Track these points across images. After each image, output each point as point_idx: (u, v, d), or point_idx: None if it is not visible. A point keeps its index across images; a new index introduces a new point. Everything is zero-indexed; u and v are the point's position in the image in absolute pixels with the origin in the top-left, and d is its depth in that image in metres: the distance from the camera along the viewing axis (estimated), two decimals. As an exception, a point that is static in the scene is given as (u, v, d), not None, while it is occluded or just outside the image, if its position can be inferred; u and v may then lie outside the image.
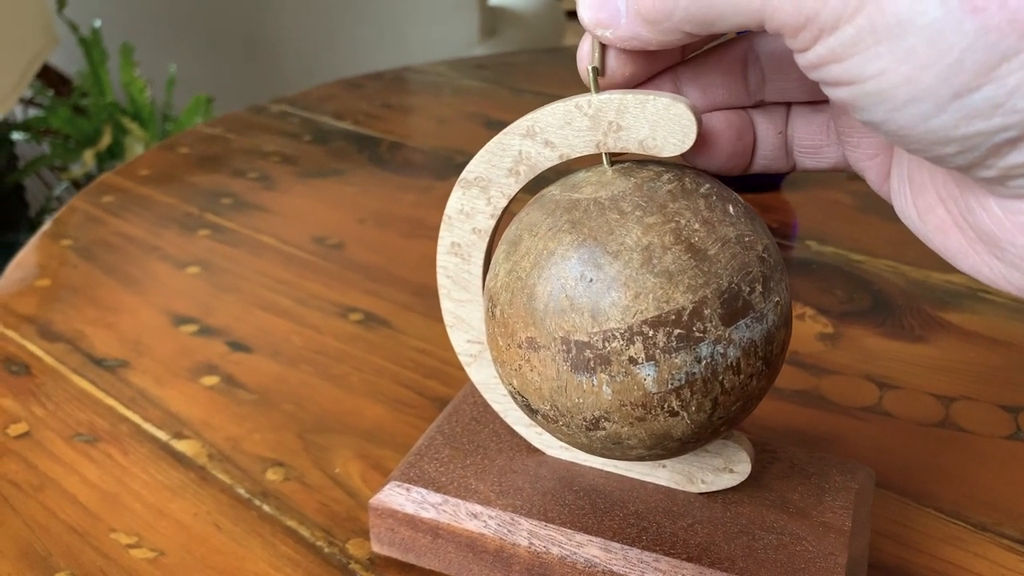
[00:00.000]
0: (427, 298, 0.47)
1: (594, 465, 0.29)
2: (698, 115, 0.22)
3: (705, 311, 0.21)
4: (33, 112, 1.48)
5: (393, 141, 0.70)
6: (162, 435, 0.37)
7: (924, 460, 0.34)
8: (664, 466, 0.28)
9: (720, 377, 0.22)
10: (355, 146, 0.69)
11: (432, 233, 0.53)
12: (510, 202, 0.26)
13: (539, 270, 0.23)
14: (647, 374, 0.22)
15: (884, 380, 0.39)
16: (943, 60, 0.16)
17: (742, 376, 0.22)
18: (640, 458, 0.24)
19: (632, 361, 0.22)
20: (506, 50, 1.55)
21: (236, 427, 0.37)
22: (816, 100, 0.25)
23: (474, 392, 0.32)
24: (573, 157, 0.24)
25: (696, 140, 0.22)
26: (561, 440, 0.25)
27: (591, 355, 0.22)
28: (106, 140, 1.37)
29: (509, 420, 0.30)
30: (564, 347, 0.22)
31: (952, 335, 0.42)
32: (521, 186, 0.25)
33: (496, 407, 0.30)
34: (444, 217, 0.27)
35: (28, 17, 1.15)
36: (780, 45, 0.24)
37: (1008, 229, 0.19)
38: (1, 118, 1.01)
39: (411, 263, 0.51)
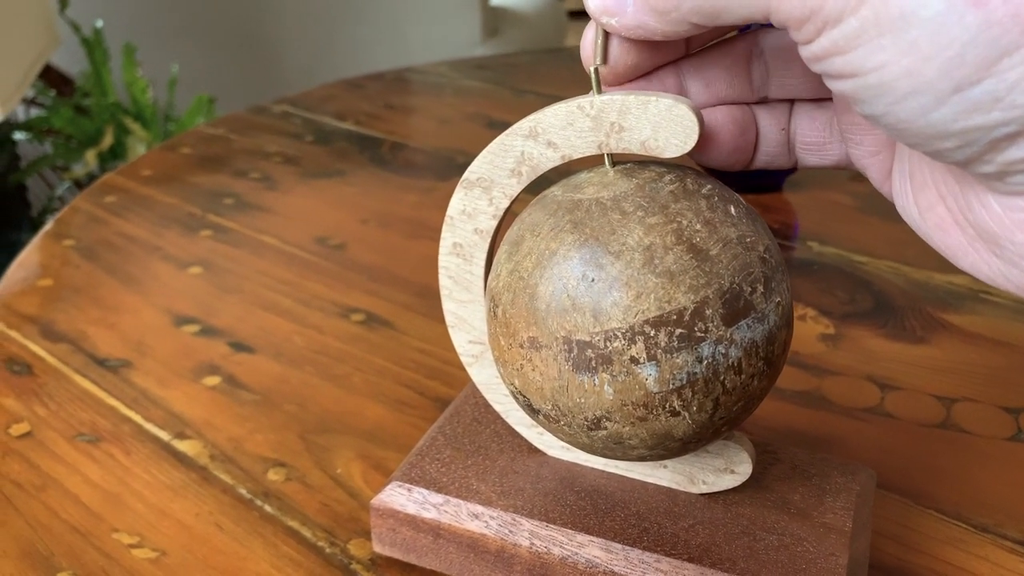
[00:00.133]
0: (429, 298, 0.47)
1: (595, 466, 0.29)
2: (700, 116, 0.22)
3: (707, 311, 0.21)
4: (35, 112, 1.48)
5: (395, 142, 0.70)
6: (164, 435, 0.37)
7: (925, 461, 0.34)
8: (665, 467, 0.28)
9: (721, 377, 0.22)
10: (357, 146, 0.69)
11: (434, 234, 0.53)
12: (512, 203, 0.26)
13: (541, 270, 0.23)
14: (649, 374, 0.22)
15: (885, 381, 0.39)
16: (944, 53, 0.16)
17: (743, 376, 0.22)
18: (641, 458, 0.24)
19: (634, 361, 0.22)
20: (508, 50, 1.55)
21: (238, 427, 0.37)
22: (819, 97, 0.25)
23: (475, 392, 0.32)
24: (575, 158, 0.24)
25: (698, 140, 0.22)
26: (562, 440, 0.25)
27: (593, 355, 0.22)
28: (108, 140, 1.37)
29: (510, 420, 0.30)
30: (566, 347, 0.22)
31: (954, 336, 0.42)
32: (523, 187, 0.26)
33: (497, 407, 0.30)
34: (446, 218, 0.27)
35: (30, 17, 1.15)
36: (785, 41, 0.24)
37: (1007, 226, 0.19)
38: (3, 118, 1.01)
39: (413, 264, 0.51)
